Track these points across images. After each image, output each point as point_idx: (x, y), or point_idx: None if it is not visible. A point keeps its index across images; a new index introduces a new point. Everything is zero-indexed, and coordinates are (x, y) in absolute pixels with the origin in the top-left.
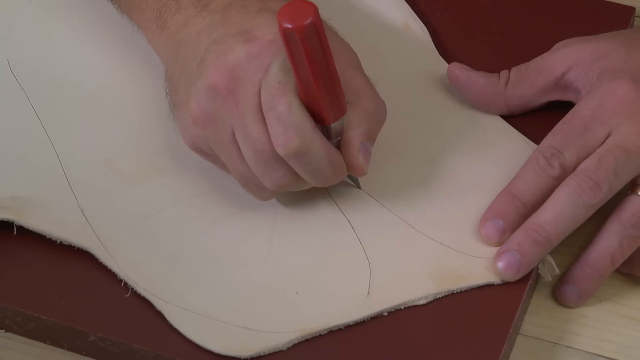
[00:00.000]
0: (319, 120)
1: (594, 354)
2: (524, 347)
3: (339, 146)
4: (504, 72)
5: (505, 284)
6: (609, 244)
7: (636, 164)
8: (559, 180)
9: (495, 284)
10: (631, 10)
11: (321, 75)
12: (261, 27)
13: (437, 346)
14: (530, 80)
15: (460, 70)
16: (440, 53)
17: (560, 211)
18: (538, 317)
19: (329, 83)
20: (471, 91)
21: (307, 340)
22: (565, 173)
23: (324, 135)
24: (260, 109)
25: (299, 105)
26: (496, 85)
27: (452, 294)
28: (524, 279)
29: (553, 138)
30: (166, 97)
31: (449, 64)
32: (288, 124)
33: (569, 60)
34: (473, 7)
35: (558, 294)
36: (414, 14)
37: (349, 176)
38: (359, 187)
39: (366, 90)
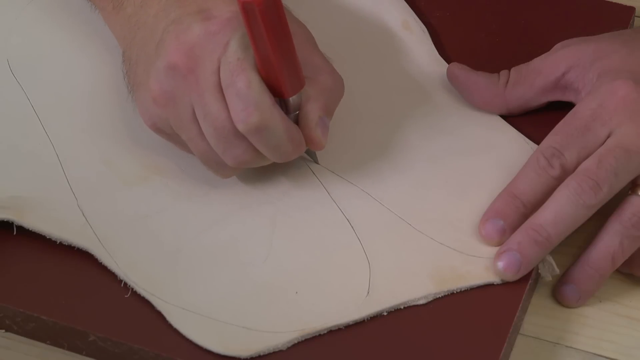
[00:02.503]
0: (278, 94)
1: (594, 354)
2: (524, 347)
3: (297, 121)
4: (503, 72)
5: (505, 284)
6: (610, 244)
7: (636, 164)
8: (559, 181)
9: (495, 283)
10: (631, 10)
11: (280, 47)
12: (218, 6)
13: (437, 346)
14: (530, 80)
15: (460, 71)
16: (440, 53)
17: (561, 211)
18: (538, 317)
19: (287, 55)
20: (471, 91)
21: (306, 340)
22: (565, 173)
23: (282, 110)
24: (219, 87)
25: (259, 81)
26: (496, 85)
27: (452, 293)
28: (524, 279)
29: (553, 138)
30: (124, 78)
31: (448, 64)
32: (248, 100)
33: (569, 61)
34: (473, 7)
35: (558, 294)
36: (414, 13)
37: (307, 151)
38: (316, 161)
39: (324, 66)
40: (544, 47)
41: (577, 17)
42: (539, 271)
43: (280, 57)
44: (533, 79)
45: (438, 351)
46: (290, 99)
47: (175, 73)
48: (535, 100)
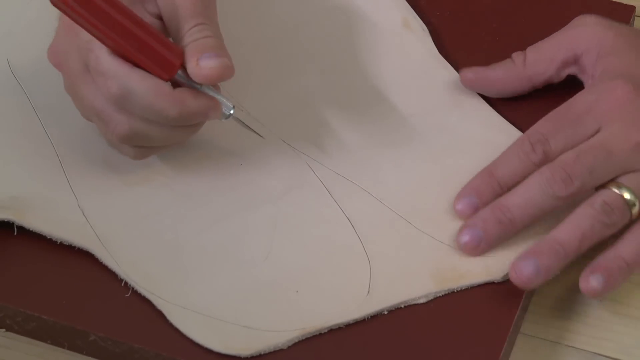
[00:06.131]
0: (168, 74)
1: (595, 353)
2: (524, 346)
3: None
4: (516, 54)
5: (505, 283)
6: (581, 223)
7: (615, 166)
8: (538, 167)
9: (495, 282)
10: (631, 9)
11: (116, 37)
12: None
13: (437, 345)
14: (550, 56)
15: (473, 74)
16: (440, 51)
17: (529, 197)
18: (538, 316)
19: (134, 44)
20: (493, 86)
21: (307, 339)
22: (546, 160)
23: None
24: (86, 71)
25: (107, 53)
26: (515, 69)
27: (452, 292)
28: None
29: (543, 124)
30: None
31: (449, 62)
32: (103, 74)
33: (586, 42)
34: (473, 6)
35: (513, 269)
36: (414, 12)
37: (250, 128)
38: (261, 136)
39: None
40: None
41: (577, 16)
42: None
43: (126, 48)
44: (554, 54)
45: (438, 350)
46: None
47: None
48: (557, 76)
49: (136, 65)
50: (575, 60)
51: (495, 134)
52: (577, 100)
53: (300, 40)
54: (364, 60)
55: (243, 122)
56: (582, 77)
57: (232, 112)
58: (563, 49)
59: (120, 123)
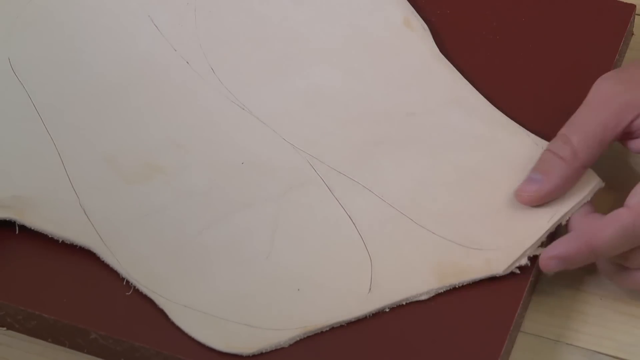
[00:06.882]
0: None
1: (595, 351)
2: (524, 345)
3: None
4: (559, 147)
5: (506, 281)
6: None
7: None
8: None
9: (497, 275)
10: (632, 7)
11: None
12: None
13: (438, 343)
14: (599, 139)
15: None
16: (440, 50)
17: None
18: (539, 314)
19: None
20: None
21: (309, 337)
22: None
23: None
24: None
25: None
26: (569, 167)
27: (454, 289)
28: (525, 276)
29: None
30: None
31: (449, 61)
32: None
33: (636, 109)
34: (473, 5)
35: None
36: (415, 11)
37: None
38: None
39: None
40: (543, 44)
41: (577, 14)
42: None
43: None
44: (602, 136)
45: (439, 348)
46: None
47: None
48: (605, 151)
49: None
50: (624, 132)
51: (497, 131)
52: None
53: (300, 39)
54: (364, 59)
55: None
56: (636, 136)
57: None
58: (609, 128)
59: None
